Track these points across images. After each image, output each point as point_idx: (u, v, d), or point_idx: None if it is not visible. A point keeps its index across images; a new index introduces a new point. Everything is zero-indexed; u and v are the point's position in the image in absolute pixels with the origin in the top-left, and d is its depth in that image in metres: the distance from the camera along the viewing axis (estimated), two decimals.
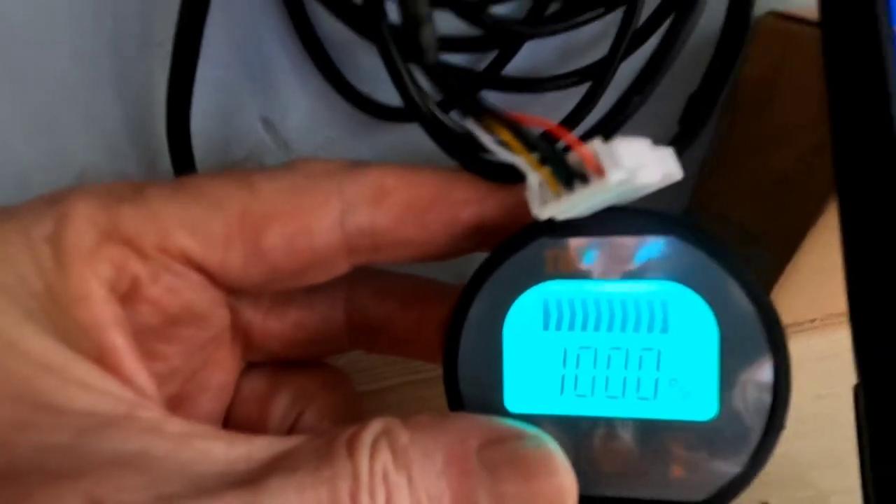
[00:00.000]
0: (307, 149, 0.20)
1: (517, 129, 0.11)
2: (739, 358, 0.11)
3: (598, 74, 0.16)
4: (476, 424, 0.11)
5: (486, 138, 0.11)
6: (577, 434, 0.11)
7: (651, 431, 0.11)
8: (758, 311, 0.11)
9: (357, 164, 0.13)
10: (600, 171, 0.10)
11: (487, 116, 0.11)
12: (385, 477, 0.09)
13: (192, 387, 0.14)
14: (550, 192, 0.11)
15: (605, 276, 0.11)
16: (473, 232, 0.12)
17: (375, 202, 0.12)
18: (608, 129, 0.15)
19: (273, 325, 0.15)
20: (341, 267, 0.13)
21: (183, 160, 0.16)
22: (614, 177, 0.10)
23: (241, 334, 0.14)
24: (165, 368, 0.12)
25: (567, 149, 0.11)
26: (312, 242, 0.12)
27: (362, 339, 0.16)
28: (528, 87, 0.18)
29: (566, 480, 0.11)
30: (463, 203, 0.12)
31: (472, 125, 0.11)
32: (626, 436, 0.11)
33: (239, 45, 0.17)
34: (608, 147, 0.10)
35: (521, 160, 0.11)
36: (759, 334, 0.11)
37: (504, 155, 0.11)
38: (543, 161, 0.11)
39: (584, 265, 0.11)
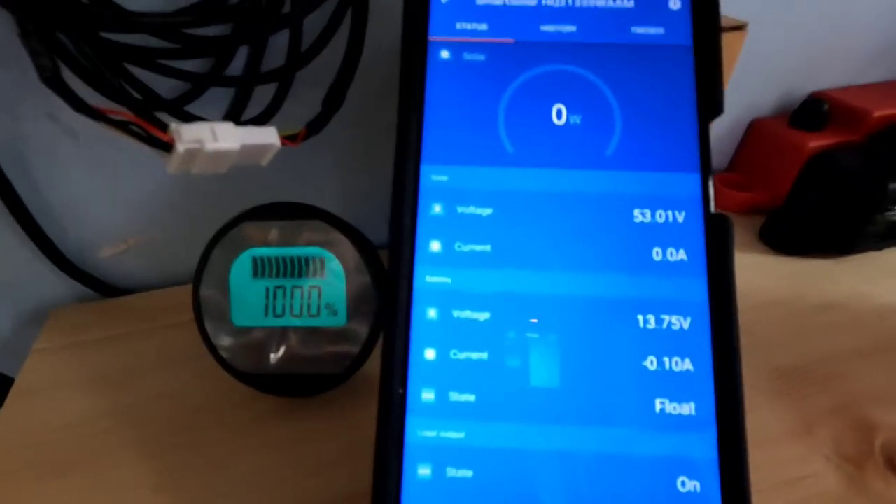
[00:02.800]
0: None
1: (115, 123, 0.15)
2: (358, 293, 0.18)
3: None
4: None
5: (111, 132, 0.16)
6: (273, 336, 0.18)
7: (314, 334, 0.18)
8: (369, 269, 0.18)
9: None
10: (174, 143, 0.15)
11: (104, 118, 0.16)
12: None
13: None
14: (167, 161, 0.15)
15: (286, 244, 0.18)
16: None
17: None
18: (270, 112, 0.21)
19: None
20: None
21: None
22: (179, 147, 0.14)
23: None
24: None
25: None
26: None
27: None
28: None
29: None
30: None
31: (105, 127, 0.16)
32: (300, 336, 0.18)
33: None
34: (178, 128, 0.14)
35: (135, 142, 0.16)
36: (367, 279, 0.18)
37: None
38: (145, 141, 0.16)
39: (273, 237, 0.18)
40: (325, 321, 0.18)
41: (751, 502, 0.11)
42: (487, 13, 0.15)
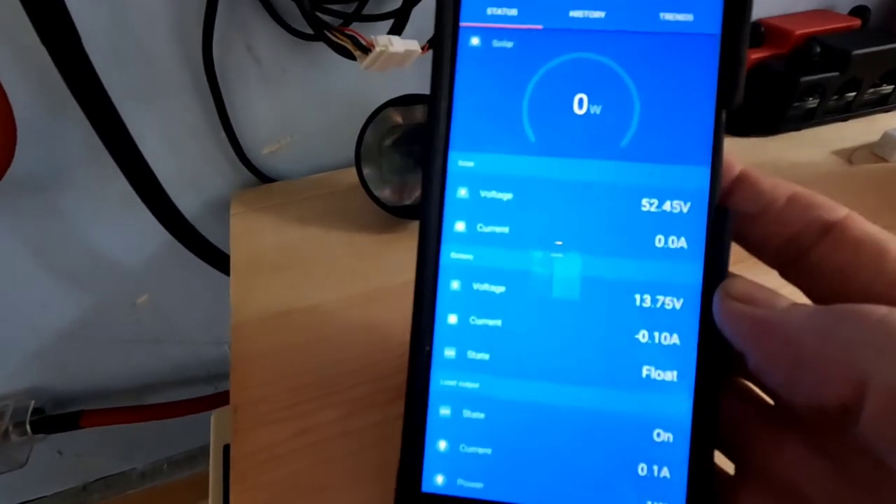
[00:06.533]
0: None
1: (344, 35, 0.33)
2: None
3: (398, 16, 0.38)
4: None
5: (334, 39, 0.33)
6: (406, 183, 0.36)
7: None
8: None
9: None
10: (373, 47, 0.32)
11: (337, 31, 0.33)
12: None
13: None
14: (363, 58, 0.33)
15: (411, 119, 0.34)
16: None
17: None
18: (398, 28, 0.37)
19: None
20: None
21: None
22: (377, 48, 0.31)
23: None
24: None
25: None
26: None
27: None
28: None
29: None
30: None
31: (331, 36, 0.34)
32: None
33: None
34: (375, 38, 0.32)
35: (350, 47, 0.33)
36: None
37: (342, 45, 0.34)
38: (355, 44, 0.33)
39: (402, 116, 0.34)
40: None
41: (713, 458, 0.15)
42: None
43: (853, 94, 0.46)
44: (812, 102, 0.45)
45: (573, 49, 0.16)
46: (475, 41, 0.16)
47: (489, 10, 0.16)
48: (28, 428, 0.53)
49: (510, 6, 0.16)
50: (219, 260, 0.45)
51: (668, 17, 0.16)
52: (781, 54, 0.46)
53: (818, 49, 0.43)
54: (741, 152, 0.43)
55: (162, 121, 0.39)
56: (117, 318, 0.54)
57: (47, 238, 0.45)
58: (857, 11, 0.51)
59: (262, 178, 0.45)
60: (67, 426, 0.56)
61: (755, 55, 0.45)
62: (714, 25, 0.16)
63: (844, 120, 0.48)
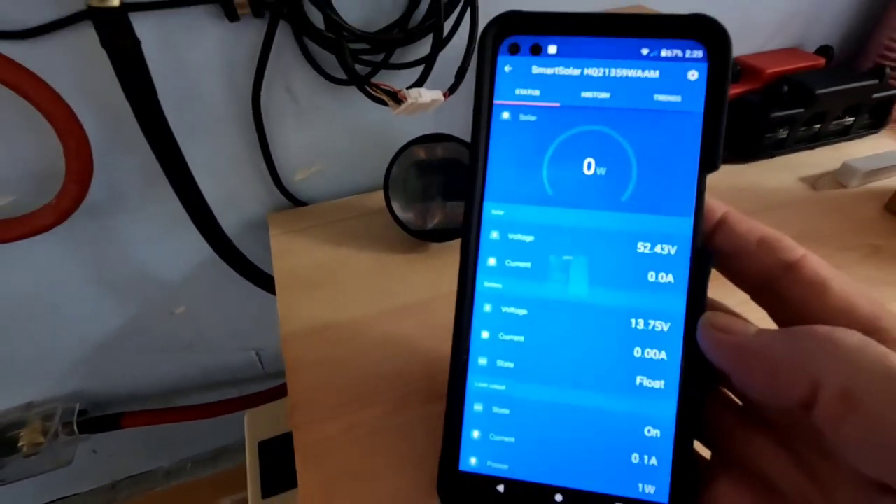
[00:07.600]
0: None
1: (380, 89, 0.43)
2: None
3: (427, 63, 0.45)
4: None
5: (371, 92, 0.42)
6: (427, 209, 0.41)
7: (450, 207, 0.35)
8: None
9: None
10: (405, 99, 0.41)
11: (375, 86, 0.43)
12: None
13: None
14: (395, 107, 0.42)
15: (433, 155, 0.42)
16: None
17: None
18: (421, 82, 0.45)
19: None
20: None
21: None
22: (409, 100, 0.41)
23: None
24: None
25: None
26: None
27: None
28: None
29: None
30: None
31: (368, 89, 0.43)
32: (443, 209, 0.43)
33: None
34: (407, 91, 0.42)
35: (385, 98, 0.43)
36: None
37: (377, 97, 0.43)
38: (389, 96, 0.42)
39: (426, 151, 0.41)
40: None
41: (693, 449, 0.19)
42: (540, 81, 0.21)
43: (819, 125, 0.53)
44: (783, 133, 0.53)
45: (584, 122, 0.20)
46: (506, 115, 0.21)
47: (517, 91, 0.21)
48: (75, 428, 0.58)
49: (534, 88, 0.21)
50: (253, 274, 0.50)
51: (661, 97, 0.20)
52: (756, 89, 0.53)
53: (786, 88, 0.50)
54: (722, 177, 0.48)
55: (210, 151, 0.44)
56: (156, 327, 0.59)
57: (99, 256, 0.50)
58: (822, 51, 0.58)
59: (294, 201, 0.51)
60: (110, 426, 0.60)
61: (733, 90, 0.52)
62: (698, 105, 0.20)
63: (812, 148, 0.55)
